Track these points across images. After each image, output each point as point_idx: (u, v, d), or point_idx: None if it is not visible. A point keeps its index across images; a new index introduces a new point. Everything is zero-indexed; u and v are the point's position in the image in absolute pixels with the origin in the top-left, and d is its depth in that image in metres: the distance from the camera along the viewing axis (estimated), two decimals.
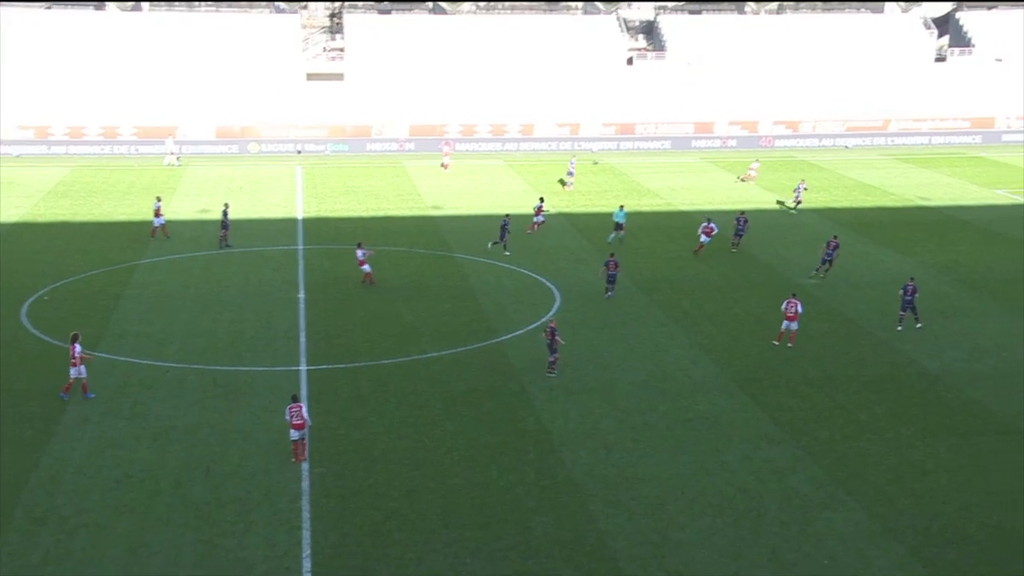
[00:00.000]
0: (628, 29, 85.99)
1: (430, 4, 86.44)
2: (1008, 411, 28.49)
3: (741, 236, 45.12)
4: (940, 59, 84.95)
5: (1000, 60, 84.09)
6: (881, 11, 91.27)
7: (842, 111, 78.79)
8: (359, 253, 40.04)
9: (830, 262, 41.30)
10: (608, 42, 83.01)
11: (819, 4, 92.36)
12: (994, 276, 41.64)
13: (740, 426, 27.61)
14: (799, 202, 53.86)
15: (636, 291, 39.13)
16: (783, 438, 26.90)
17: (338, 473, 24.89)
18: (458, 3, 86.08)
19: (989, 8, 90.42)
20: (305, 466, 25.09)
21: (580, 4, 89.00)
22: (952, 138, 77.43)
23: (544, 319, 35.95)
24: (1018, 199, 57.14)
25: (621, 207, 47.70)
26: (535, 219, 47.93)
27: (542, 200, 49.53)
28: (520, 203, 55.48)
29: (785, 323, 33.37)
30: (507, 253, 44.08)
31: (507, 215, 46.11)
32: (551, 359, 30.87)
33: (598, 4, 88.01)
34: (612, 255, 39.19)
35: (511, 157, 71.28)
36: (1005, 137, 77.94)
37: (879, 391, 29.94)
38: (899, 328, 35.06)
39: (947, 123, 78.51)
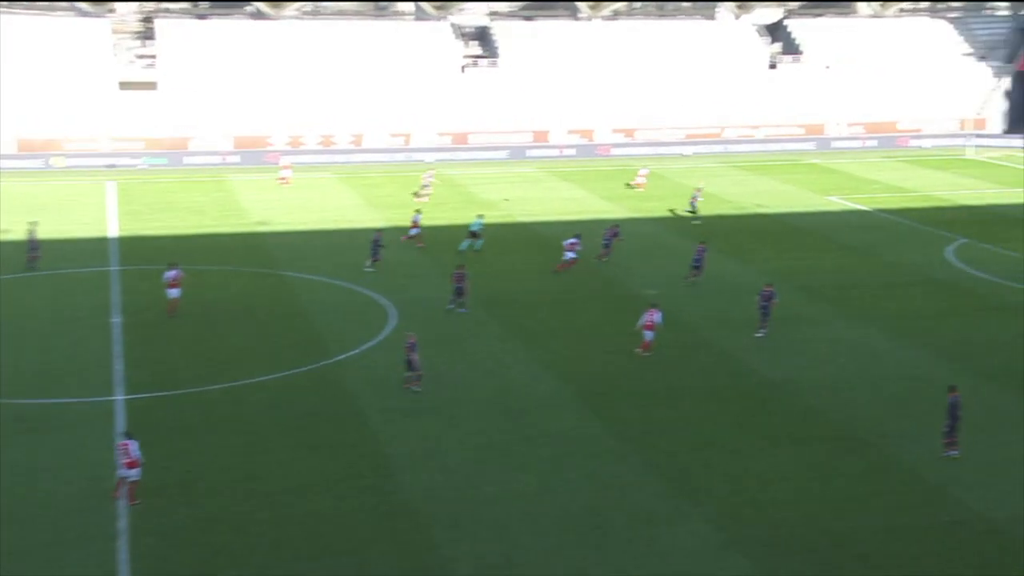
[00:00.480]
0: (461, 35, 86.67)
1: (251, 8, 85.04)
2: (846, 418, 29.85)
3: (609, 247, 46.05)
4: (772, 66, 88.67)
5: (828, 67, 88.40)
6: (714, 18, 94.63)
7: (679, 118, 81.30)
8: (169, 274, 37.83)
9: (698, 267, 42.82)
10: (440, 49, 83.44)
11: (652, 9, 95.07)
12: (830, 283, 43.61)
13: (584, 442, 28.08)
14: (695, 211, 55.60)
15: (476, 306, 39.36)
16: (628, 452, 27.49)
17: (160, 508, 24.13)
18: (281, 7, 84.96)
19: (815, 16, 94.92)
20: (123, 502, 24.21)
21: (411, 8, 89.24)
22: (786, 145, 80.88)
23: (380, 338, 35.77)
24: (849, 205, 60.09)
25: (479, 216, 48.63)
26: (411, 231, 48.43)
27: (419, 212, 49.71)
28: (353, 217, 55.14)
29: (645, 333, 34.19)
30: (369, 268, 43.76)
31: (379, 230, 46.00)
32: (416, 374, 30.92)
33: (426, 8, 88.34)
34: (461, 267, 39.34)
35: (341, 169, 70.79)
36: (835, 144, 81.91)
37: (722, 401, 30.93)
38: (759, 333, 36.46)
39: (781, 130, 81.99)
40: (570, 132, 78.56)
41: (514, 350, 34.99)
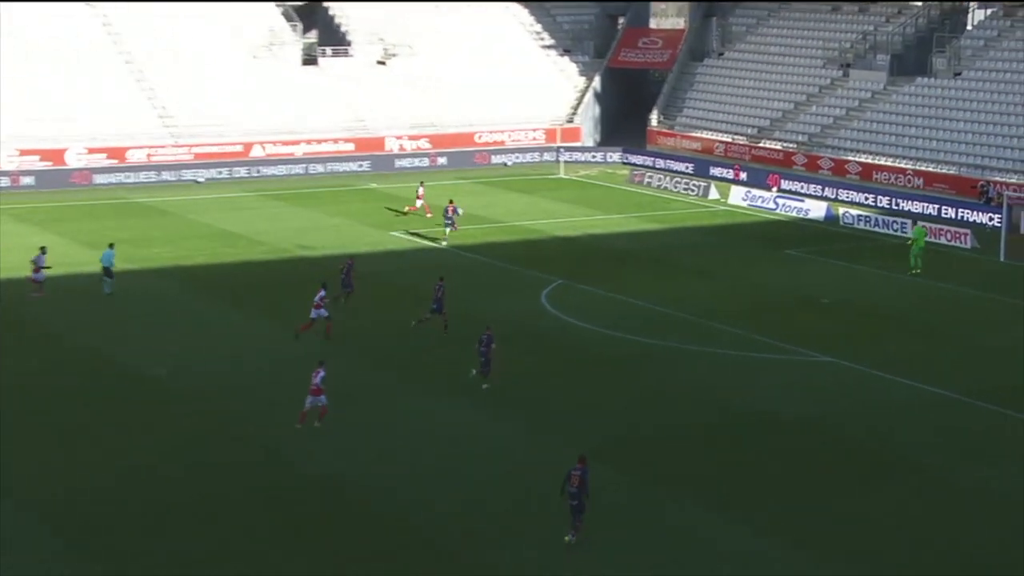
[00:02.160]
0: None
1: None
2: (424, 522, 30.65)
3: (351, 287, 48.72)
4: (310, 62, 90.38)
5: (384, 63, 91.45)
6: None
7: (185, 131, 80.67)
8: None
9: (439, 310, 45.19)
10: None
11: None
12: (398, 344, 44.75)
13: None
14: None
15: None
16: None
17: None
18: None
19: None
20: None
21: None
22: (335, 165, 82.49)
23: None
24: (418, 241, 62.16)
25: (111, 245, 49.34)
26: (34, 276, 48.81)
27: (43, 250, 49.97)
28: None
29: (310, 399, 35.54)
30: None
31: None
32: None
33: None
34: None
35: None
36: (399, 163, 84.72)
37: (264, 509, 30.83)
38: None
39: (326, 146, 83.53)
40: (25, 153, 75.46)
41: None
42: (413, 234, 63.44)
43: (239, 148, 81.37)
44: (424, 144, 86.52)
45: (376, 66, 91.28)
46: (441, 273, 47.78)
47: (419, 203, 67.51)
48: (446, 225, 60.85)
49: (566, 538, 28.74)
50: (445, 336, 44.93)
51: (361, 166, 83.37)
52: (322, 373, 35.86)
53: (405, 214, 67.51)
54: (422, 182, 70.20)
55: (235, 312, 48.83)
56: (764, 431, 36.97)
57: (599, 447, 34.84)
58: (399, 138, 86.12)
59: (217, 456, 34.17)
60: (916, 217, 65.74)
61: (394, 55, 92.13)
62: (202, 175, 78.59)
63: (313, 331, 44.12)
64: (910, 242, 57.52)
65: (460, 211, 61.64)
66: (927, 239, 58.30)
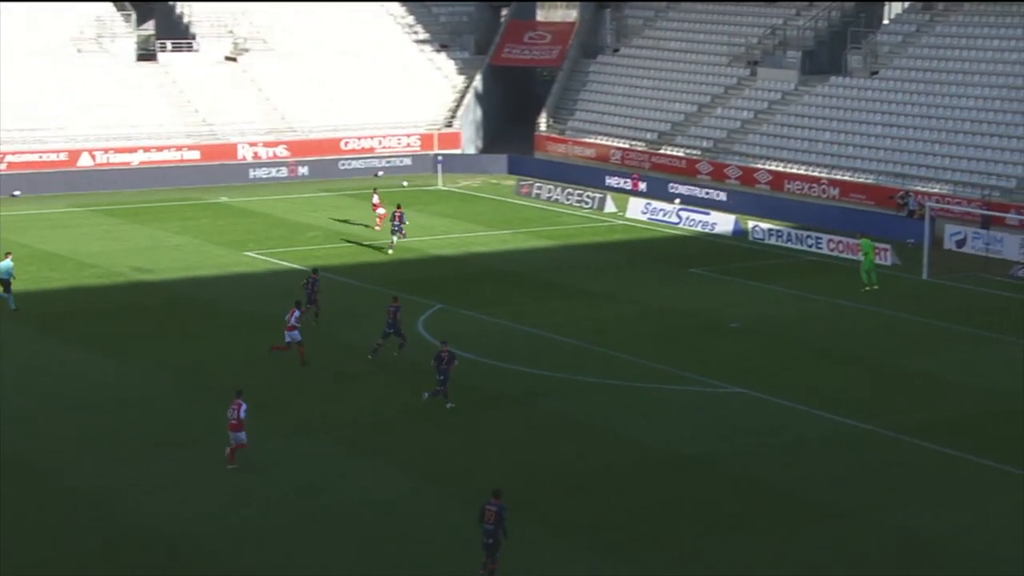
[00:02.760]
0: None
1: None
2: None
3: (316, 301, 50.23)
4: (147, 56, 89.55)
5: (234, 59, 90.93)
6: None
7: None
8: None
9: (397, 332, 46.09)
10: None
11: None
12: (263, 384, 44.53)
13: None
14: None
15: None
16: None
17: None
18: None
19: None
20: None
21: None
22: (178, 176, 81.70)
23: None
24: (276, 262, 61.81)
25: (8, 254, 51.96)
26: None
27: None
28: None
29: (232, 435, 36.36)
30: None
31: None
32: None
33: None
34: None
35: None
36: (253, 173, 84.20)
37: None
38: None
39: (167, 154, 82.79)
40: None
41: None
42: (366, 246, 64.63)
43: (63, 156, 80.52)
44: (282, 152, 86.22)
45: (225, 62, 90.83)
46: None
47: (380, 211, 67.93)
48: (393, 232, 63.20)
49: None
50: (368, 360, 45.23)
51: (209, 177, 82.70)
52: (244, 406, 36.20)
53: (377, 229, 67.69)
54: (376, 189, 71.32)
55: (60, 346, 48.22)
56: (667, 471, 37.14)
57: (486, 492, 34.87)
58: (253, 145, 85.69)
59: (39, 514, 33.75)
60: (861, 232, 65.69)
61: (246, 50, 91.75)
62: (19, 190, 77.46)
63: (289, 355, 45.52)
64: (863, 255, 57.87)
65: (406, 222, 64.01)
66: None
